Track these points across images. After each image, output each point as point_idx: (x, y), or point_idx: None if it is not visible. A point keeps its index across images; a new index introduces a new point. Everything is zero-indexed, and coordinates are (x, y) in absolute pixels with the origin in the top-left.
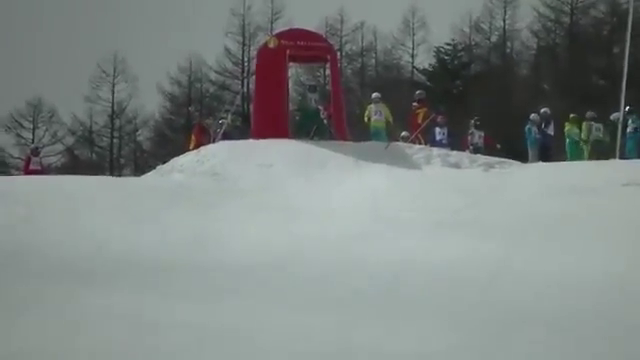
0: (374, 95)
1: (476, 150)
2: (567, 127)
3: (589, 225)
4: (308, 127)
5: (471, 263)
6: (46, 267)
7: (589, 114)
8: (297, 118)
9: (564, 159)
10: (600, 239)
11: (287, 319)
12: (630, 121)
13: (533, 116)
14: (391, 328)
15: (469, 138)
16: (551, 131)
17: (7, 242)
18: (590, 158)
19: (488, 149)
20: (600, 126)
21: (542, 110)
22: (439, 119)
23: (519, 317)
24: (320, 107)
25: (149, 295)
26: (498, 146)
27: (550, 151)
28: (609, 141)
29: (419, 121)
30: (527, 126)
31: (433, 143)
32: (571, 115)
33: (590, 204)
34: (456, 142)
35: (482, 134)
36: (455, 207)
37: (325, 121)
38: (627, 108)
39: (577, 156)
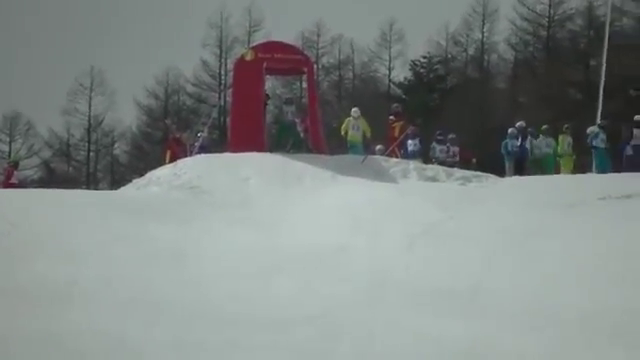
0: (353, 110)
1: (439, 164)
2: (538, 139)
3: (563, 239)
4: (285, 140)
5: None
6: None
7: (565, 127)
8: (274, 131)
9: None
10: (574, 253)
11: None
12: (600, 135)
13: (511, 130)
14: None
15: (430, 152)
16: (527, 144)
17: None
18: (565, 171)
19: (464, 163)
20: (570, 140)
21: (518, 124)
22: (410, 130)
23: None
24: (297, 120)
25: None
26: (474, 160)
27: (525, 164)
28: (574, 156)
29: (396, 134)
30: (505, 140)
31: (406, 154)
32: (543, 126)
33: (566, 218)
34: (422, 154)
35: (444, 148)
36: (432, 221)
37: (302, 134)
38: (599, 123)
39: (549, 169)
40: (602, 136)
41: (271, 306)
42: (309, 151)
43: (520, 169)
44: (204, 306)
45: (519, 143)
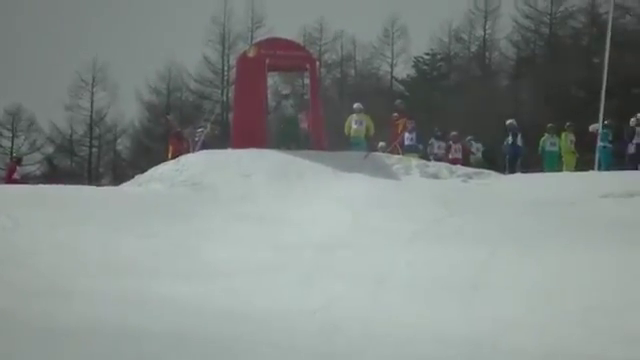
0: (356, 106)
1: (437, 160)
2: (543, 137)
3: (566, 236)
4: (285, 136)
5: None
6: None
7: (567, 125)
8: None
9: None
10: (576, 251)
11: None
12: (604, 133)
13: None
14: None
15: (428, 148)
16: (519, 142)
17: None
18: (567, 169)
19: (466, 160)
20: (573, 138)
21: (508, 122)
22: (408, 125)
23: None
24: (300, 115)
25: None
26: (476, 155)
27: (516, 162)
28: (577, 153)
29: (399, 131)
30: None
31: (404, 148)
32: (549, 125)
33: (567, 215)
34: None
35: (442, 144)
36: (434, 217)
37: (304, 127)
38: (605, 122)
39: (554, 167)
40: (609, 134)
41: (271, 300)
42: (311, 147)
43: (512, 167)
44: (205, 300)
45: (511, 141)
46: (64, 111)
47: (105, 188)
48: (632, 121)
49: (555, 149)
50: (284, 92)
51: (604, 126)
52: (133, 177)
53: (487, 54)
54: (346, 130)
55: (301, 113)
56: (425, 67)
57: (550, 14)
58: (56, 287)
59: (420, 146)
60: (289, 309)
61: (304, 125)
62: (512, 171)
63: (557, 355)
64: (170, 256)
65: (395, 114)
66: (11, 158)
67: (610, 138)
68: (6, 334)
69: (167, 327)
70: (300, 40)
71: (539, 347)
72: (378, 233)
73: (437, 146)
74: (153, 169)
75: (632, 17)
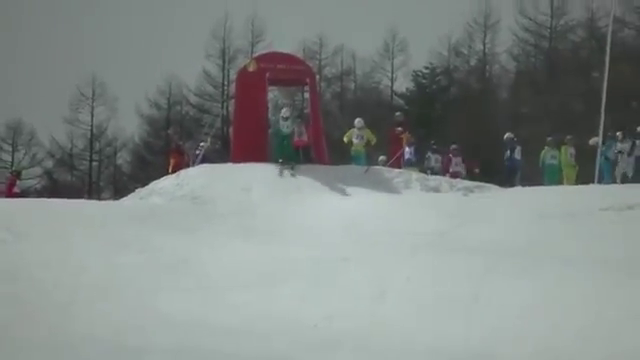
0: (357, 121)
1: (433, 174)
2: (544, 150)
3: (566, 249)
4: (280, 153)
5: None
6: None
7: (567, 138)
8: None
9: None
10: (575, 264)
11: None
12: (613, 146)
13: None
14: None
15: (425, 162)
16: (517, 155)
17: None
18: (567, 182)
19: (468, 173)
20: (573, 151)
21: (506, 135)
22: (409, 139)
23: None
24: (297, 128)
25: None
26: (477, 170)
27: (515, 175)
28: (577, 166)
29: (402, 144)
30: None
31: (404, 162)
32: (549, 138)
33: (568, 228)
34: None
35: (439, 157)
36: (435, 231)
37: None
38: (618, 134)
39: (554, 180)
40: (615, 148)
41: (270, 315)
42: (311, 162)
43: (511, 180)
44: (204, 315)
45: (509, 155)
46: (64, 125)
47: (106, 202)
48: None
49: (555, 162)
50: (284, 115)
51: (611, 138)
52: (134, 191)
53: (487, 67)
54: (346, 140)
55: (298, 126)
56: (424, 81)
57: (550, 28)
58: (56, 301)
59: (415, 159)
60: (289, 323)
61: (303, 138)
62: (511, 184)
63: None
64: (169, 270)
65: (399, 128)
66: (11, 172)
67: (616, 150)
68: (5, 349)
69: (164, 340)
70: (300, 54)
71: (538, 358)
72: (379, 246)
73: (434, 159)
74: (153, 183)
75: (631, 30)
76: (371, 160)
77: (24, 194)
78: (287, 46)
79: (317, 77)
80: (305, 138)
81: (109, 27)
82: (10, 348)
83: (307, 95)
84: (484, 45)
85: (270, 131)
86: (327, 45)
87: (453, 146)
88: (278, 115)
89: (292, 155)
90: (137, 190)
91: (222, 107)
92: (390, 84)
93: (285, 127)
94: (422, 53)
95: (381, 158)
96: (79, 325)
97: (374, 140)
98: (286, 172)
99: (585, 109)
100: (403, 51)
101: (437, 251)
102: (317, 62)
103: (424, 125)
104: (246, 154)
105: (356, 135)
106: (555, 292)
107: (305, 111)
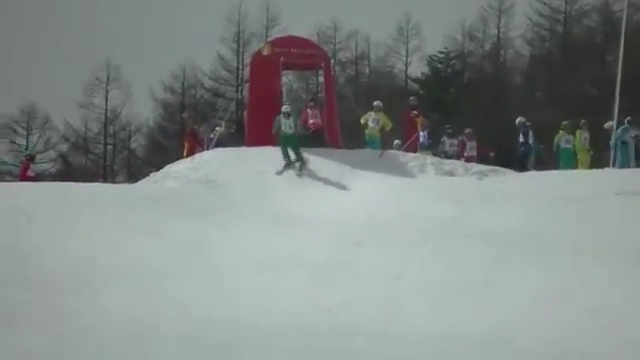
0: (375, 103)
1: (448, 158)
2: (558, 134)
3: (578, 236)
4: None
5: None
6: (39, 275)
7: (582, 122)
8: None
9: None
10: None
11: None
12: (630, 130)
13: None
14: None
15: (440, 146)
16: (530, 140)
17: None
18: (582, 166)
19: (482, 157)
20: (587, 135)
21: (518, 120)
22: (424, 122)
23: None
24: (311, 111)
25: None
26: (492, 154)
27: (528, 159)
28: (591, 151)
29: (418, 128)
30: None
31: (419, 146)
32: (564, 122)
33: (582, 213)
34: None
35: (454, 142)
36: (449, 215)
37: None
38: (628, 119)
39: (569, 164)
40: (633, 132)
41: (284, 299)
42: (326, 145)
43: (523, 164)
44: (218, 300)
45: (522, 140)
46: (78, 109)
47: (120, 185)
48: None
49: (570, 146)
50: (286, 111)
51: (628, 122)
52: (148, 175)
53: (501, 52)
54: (362, 121)
55: (312, 109)
56: (439, 65)
57: (564, 12)
58: (66, 286)
59: (429, 143)
60: (304, 307)
61: (316, 120)
62: (524, 169)
63: (566, 353)
64: (183, 255)
65: (414, 112)
66: (25, 156)
67: (633, 134)
68: (18, 333)
69: (177, 329)
70: (314, 38)
71: (548, 345)
72: (393, 231)
73: (449, 144)
74: (168, 167)
75: None
76: (385, 145)
77: (38, 178)
78: (301, 30)
79: (331, 61)
80: (319, 121)
81: (124, 11)
82: (21, 331)
83: (322, 79)
84: (498, 29)
85: (273, 132)
86: (341, 29)
87: (467, 130)
88: (279, 116)
89: (299, 156)
90: (152, 174)
91: (236, 91)
92: (404, 68)
93: (288, 127)
94: (436, 37)
95: (396, 142)
96: (87, 310)
97: (389, 126)
98: (286, 172)
99: (599, 93)
100: (417, 35)
101: (451, 236)
102: (331, 46)
103: (438, 110)
104: (260, 138)
105: (372, 118)
106: (566, 279)
107: (319, 95)
